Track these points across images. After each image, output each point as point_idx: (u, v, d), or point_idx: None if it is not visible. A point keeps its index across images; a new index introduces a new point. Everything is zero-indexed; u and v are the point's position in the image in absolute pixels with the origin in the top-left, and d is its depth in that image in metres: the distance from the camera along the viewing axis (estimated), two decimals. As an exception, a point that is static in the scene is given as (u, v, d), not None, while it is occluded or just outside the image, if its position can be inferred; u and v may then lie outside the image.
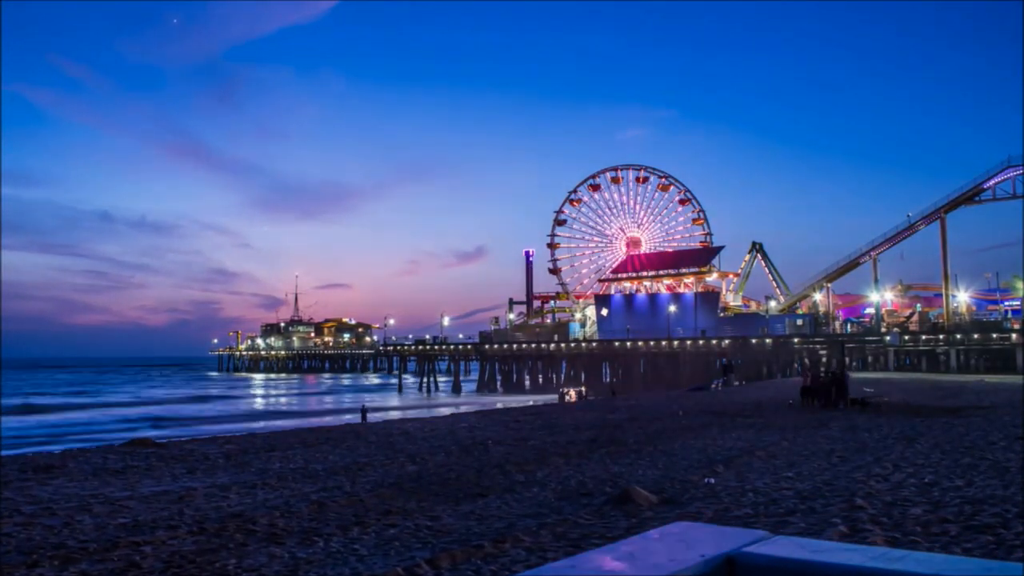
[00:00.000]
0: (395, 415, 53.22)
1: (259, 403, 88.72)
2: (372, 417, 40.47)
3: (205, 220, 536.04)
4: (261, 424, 53.23)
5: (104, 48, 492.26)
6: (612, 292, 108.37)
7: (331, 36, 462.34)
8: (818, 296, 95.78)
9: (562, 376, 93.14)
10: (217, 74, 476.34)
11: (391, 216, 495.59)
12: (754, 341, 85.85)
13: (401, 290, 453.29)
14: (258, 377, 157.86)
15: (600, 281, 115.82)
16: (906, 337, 79.65)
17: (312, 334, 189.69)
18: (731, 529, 2.41)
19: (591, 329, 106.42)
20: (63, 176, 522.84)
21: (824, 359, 77.05)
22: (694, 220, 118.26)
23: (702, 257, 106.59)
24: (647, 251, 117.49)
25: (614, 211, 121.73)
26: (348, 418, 44.94)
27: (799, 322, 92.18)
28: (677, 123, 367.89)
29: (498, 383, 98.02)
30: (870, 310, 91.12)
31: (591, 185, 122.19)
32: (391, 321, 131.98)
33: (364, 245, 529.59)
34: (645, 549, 2.20)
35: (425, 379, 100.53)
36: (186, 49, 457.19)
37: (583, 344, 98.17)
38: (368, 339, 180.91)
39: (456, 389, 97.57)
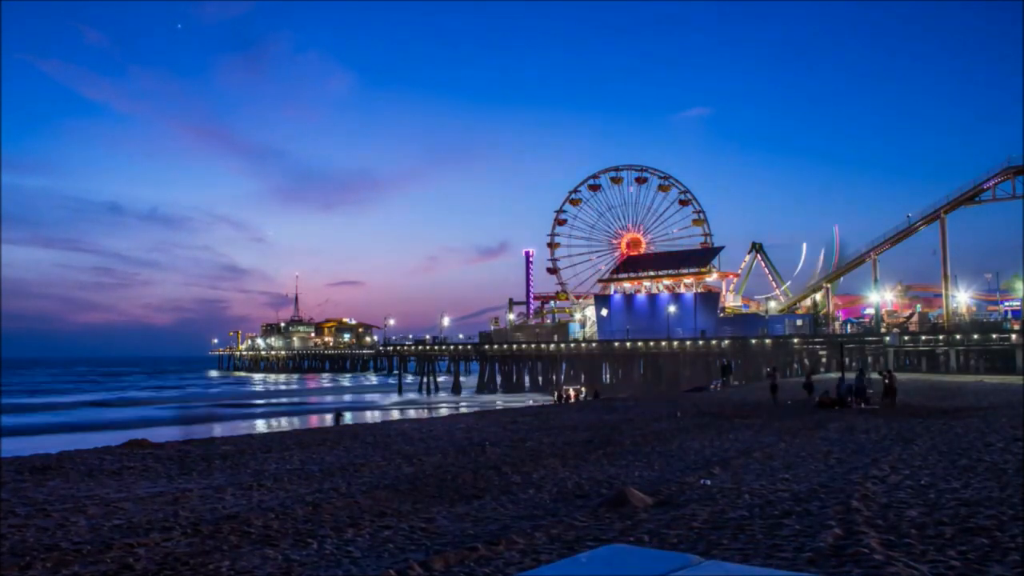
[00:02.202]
0: (394, 415, 53.27)
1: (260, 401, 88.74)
2: (370, 417, 40.40)
3: (219, 212, 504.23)
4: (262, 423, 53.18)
5: (117, 8, 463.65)
6: (612, 292, 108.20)
7: (359, 18, 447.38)
8: (818, 296, 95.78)
9: (562, 376, 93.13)
10: (241, 38, 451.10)
11: (415, 208, 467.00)
12: (754, 342, 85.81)
13: (415, 288, 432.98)
14: (257, 376, 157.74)
15: (600, 281, 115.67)
16: (906, 337, 79.61)
17: (312, 334, 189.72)
18: (661, 553, 2.41)
19: (591, 329, 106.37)
20: (69, 162, 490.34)
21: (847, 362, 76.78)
22: (694, 221, 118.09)
23: (702, 257, 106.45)
24: (647, 251, 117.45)
25: (614, 211, 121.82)
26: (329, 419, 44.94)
27: (799, 322, 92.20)
28: (679, 123, 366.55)
29: (498, 383, 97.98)
30: (870, 310, 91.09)
31: (591, 185, 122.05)
32: (391, 321, 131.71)
33: (383, 239, 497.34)
34: (569, 574, 2.19)
35: (425, 379, 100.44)
36: (209, 10, 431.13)
37: (583, 344, 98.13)
38: (368, 339, 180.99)
39: (456, 389, 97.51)
